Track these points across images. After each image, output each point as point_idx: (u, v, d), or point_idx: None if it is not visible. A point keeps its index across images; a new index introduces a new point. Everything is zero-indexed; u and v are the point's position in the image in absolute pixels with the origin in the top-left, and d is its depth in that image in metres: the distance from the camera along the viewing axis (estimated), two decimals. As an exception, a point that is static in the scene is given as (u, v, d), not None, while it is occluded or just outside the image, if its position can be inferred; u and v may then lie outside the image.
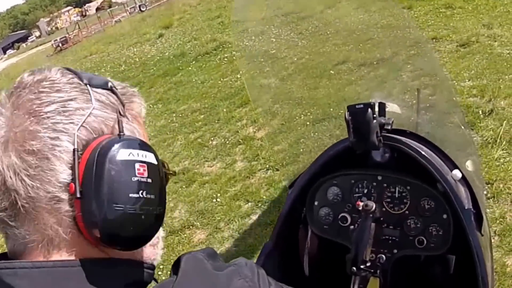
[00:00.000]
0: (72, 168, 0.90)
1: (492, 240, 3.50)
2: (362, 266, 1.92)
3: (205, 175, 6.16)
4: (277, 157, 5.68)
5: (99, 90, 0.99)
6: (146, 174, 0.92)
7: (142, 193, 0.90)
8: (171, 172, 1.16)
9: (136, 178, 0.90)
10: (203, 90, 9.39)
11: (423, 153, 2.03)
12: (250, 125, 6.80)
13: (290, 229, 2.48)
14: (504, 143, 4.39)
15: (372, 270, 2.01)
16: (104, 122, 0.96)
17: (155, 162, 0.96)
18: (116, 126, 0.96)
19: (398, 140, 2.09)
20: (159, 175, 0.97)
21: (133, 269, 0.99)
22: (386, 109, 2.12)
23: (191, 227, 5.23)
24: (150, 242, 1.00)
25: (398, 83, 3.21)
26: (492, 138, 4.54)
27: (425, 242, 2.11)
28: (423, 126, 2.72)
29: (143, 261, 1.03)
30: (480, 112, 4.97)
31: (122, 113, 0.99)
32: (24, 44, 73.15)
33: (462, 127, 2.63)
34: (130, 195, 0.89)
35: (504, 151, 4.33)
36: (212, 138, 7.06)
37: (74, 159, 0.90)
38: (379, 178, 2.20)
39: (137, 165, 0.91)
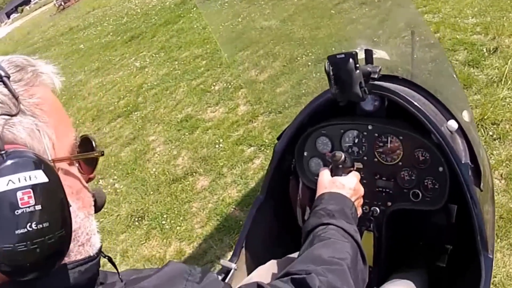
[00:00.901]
0: None
1: (499, 184, 3.47)
2: None
3: (208, 121, 6.12)
4: (279, 99, 5.60)
5: None
6: (32, 202, 0.80)
7: (30, 226, 0.80)
8: (97, 153, 1.06)
9: (19, 211, 0.79)
10: (205, 35, 9.28)
11: (414, 102, 1.93)
12: (252, 68, 6.69)
13: (281, 181, 2.44)
14: (510, 82, 4.25)
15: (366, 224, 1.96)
16: None
17: (45, 179, 0.83)
18: (6, 131, 0.84)
19: (385, 89, 1.99)
20: (55, 193, 0.85)
21: (62, 275, 0.91)
22: (374, 56, 2.02)
23: (194, 174, 5.21)
24: (78, 243, 0.95)
25: (392, 25, 3.06)
26: (497, 76, 4.39)
27: (420, 195, 2.05)
28: (418, 72, 2.62)
29: (75, 261, 0.94)
30: (485, 50, 4.82)
31: (15, 110, 0.85)
32: (27, 7, 72.07)
33: (456, 78, 2.51)
34: (16, 232, 0.79)
35: (510, 91, 4.19)
36: (215, 83, 6.98)
37: None
38: (370, 127, 2.13)
39: (19, 194, 0.79)
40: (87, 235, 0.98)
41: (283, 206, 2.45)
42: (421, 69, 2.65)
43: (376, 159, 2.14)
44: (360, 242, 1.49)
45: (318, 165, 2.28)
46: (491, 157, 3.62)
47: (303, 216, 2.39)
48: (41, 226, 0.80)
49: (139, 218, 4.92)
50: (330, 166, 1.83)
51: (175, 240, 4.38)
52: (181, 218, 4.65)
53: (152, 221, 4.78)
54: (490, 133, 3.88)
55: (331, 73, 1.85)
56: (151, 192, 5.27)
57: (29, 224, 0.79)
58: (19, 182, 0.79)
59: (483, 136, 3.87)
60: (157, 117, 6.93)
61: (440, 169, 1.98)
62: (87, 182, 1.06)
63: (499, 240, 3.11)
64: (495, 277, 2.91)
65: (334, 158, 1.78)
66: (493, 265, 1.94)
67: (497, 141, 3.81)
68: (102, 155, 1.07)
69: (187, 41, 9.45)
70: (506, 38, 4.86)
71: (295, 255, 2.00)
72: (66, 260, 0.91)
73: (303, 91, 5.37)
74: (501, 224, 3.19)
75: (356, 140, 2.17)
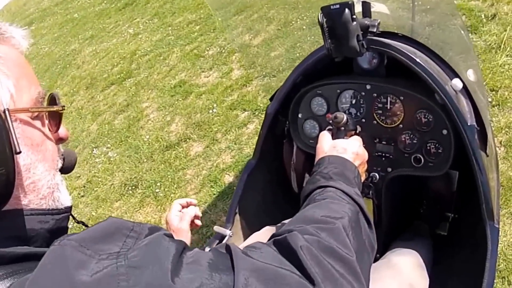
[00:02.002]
0: None
1: (498, 151, 3.39)
2: None
3: (202, 86, 6.01)
4: (273, 63, 5.48)
5: None
6: None
7: None
8: (57, 107, 1.06)
9: None
10: (199, 1, 9.07)
11: (416, 59, 1.80)
12: (246, 33, 6.56)
13: (274, 145, 2.35)
14: (508, 49, 4.14)
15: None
16: None
17: None
18: None
19: (385, 44, 1.86)
20: None
21: (22, 218, 0.93)
22: (372, 9, 1.89)
23: (188, 140, 5.14)
24: (39, 196, 0.96)
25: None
26: (496, 43, 4.28)
27: (422, 160, 1.95)
28: (419, 30, 2.50)
29: (41, 208, 0.96)
30: (483, 16, 4.69)
31: None
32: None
33: (462, 32, 2.38)
34: None
35: (509, 57, 4.09)
36: (208, 48, 6.85)
37: None
38: (368, 87, 2.01)
39: None
40: (48, 189, 0.98)
41: (277, 171, 2.37)
42: (424, 24, 2.53)
43: (375, 122, 2.03)
44: (363, 206, 1.35)
45: (313, 127, 2.19)
46: (491, 125, 3.52)
47: (298, 181, 2.30)
48: None
49: (133, 187, 4.87)
50: (327, 128, 1.74)
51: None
52: (175, 186, 4.60)
53: (146, 189, 4.74)
54: (489, 99, 3.79)
55: (325, 25, 1.72)
56: (145, 160, 5.21)
57: None
58: None
59: (488, 104, 3.77)
60: (150, 83, 6.82)
61: (444, 132, 1.87)
62: (57, 142, 1.07)
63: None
64: (496, 247, 2.84)
65: (335, 119, 1.67)
66: (497, 234, 1.86)
67: (496, 108, 3.73)
68: (63, 109, 1.08)
69: (181, 6, 9.25)
70: (505, 5, 4.74)
71: None
72: (29, 208, 0.94)
73: (298, 54, 5.25)
74: (501, 192, 3.12)
75: (354, 101, 2.06)
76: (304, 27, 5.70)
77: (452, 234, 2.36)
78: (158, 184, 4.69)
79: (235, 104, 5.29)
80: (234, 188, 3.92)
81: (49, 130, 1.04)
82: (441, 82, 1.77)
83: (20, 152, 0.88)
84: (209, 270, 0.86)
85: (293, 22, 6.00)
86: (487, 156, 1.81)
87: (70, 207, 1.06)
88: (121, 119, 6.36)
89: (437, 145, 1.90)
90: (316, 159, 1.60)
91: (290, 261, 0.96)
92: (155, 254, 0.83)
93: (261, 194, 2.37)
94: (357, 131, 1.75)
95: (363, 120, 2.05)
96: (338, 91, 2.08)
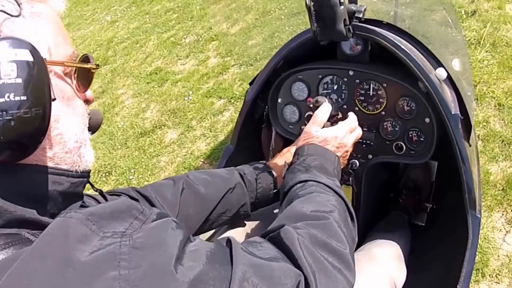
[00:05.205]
0: None
1: None
2: None
3: (178, 73, 5.94)
4: (250, 51, 5.46)
5: None
6: (14, 75, 0.82)
7: (8, 97, 0.81)
8: (91, 65, 1.08)
9: (1, 81, 0.81)
10: (177, -11, 8.99)
11: (401, 45, 1.78)
12: (224, 21, 6.51)
13: (253, 130, 2.31)
14: (488, 45, 4.20)
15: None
16: None
17: (29, 58, 0.85)
18: (4, 27, 0.88)
19: (371, 31, 1.84)
20: (37, 72, 0.86)
21: (38, 175, 0.93)
22: (358, -4, 1.86)
23: (162, 127, 5.08)
24: (65, 149, 0.98)
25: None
26: (475, 39, 4.33)
27: (404, 148, 1.94)
28: (403, 19, 2.47)
29: (60, 168, 0.97)
30: (463, 12, 4.73)
31: (16, 13, 0.90)
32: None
33: (450, 21, 2.36)
34: None
35: (488, 53, 4.15)
36: (185, 36, 6.78)
37: None
38: (351, 73, 1.98)
39: (2, 67, 0.82)
40: (75, 143, 1.01)
41: (255, 156, 2.33)
42: (409, 13, 2.50)
43: (357, 108, 2.01)
44: (345, 198, 1.35)
45: (293, 112, 2.16)
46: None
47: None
48: (18, 98, 0.82)
49: (107, 174, 4.79)
50: (307, 114, 1.71)
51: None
52: (148, 173, 4.54)
53: (119, 176, 4.66)
54: (473, 98, 3.79)
55: (312, 8, 1.68)
56: (119, 147, 5.13)
57: (7, 94, 0.81)
58: (5, 55, 0.82)
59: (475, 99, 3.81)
60: (126, 70, 6.72)
61: (427, 120, 1.86)
62: (84, 103, 1.09)
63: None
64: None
65: (316, 104, 1.65)
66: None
67: (474, 102, 3.73)
68: (97, 67, 1.10)
69: (159, -6, 9.16)
70: (485, 2, 4.80)
71: (269, 208, 1.88)
72: (51, 164, 0.95)
73: (275, 44, 5.23)
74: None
75: (335, 87, 2.04)
76: (282, 17, 5.67)
77: (429, 225, 2.35)
78: (132, 171, 4.62)
79: (211, 92, 5.24)
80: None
81: (77, 90, 1.05)
82: (425, 70, 1.75)
83: (55, 99, 0.90)
84: (209, 261, 0.86)
85: (271, 12, 5.97)
86: (470, 145, 1.80)
87: (89, 173, 1.08)
88: (95, 106, 6.22)
89: (419, 133, 1.89)
90: (297, 143, 1.58)
91: (287, 256, 0.98)
92: (161, 238, 0.84)
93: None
94: (339, 117, 1.71)
95: (345, 106, 2.02)
96: (320, 76, 2.05)
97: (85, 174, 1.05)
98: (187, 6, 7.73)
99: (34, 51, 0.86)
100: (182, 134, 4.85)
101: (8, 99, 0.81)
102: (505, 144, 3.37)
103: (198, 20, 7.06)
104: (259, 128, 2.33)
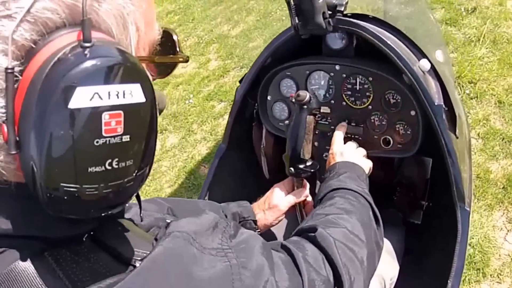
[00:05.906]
0: (6, 97, 0.57)
1: (476, 143, 3.41)
2: (301, 166, 1.74)
3: (179, 76, 5.93)
4: (251, 54, 5.46)
5: None
6: (121, 130, 0.58)
7: (110, 164, 0.59)
8: (181, 58, 0.85)
9: (101, 141, 0.57)
10: (179, -10, 8.99)
11: (384, 38, 1.77)
12: (225, 23, 6.50)
13: (244, 129, 2.30)
14: (488, 42, 4.15)
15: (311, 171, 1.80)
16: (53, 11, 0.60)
17: (142, 99, 0.60)
18: (90, 9, 0.61)
19: (354, 24, 1.82)
20: (150, 119, 0.63)
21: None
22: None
23: (163, 131, 5.07)
24: None
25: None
26: (475, 36, 4.29)
27: (391, 142, 1.92)
28: (389, 11, 2.45)
29: None
30: (463, 9, 4.68)
31: None
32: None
33: (431, 16, 2.34)
34: (90, 169, 0.57)
35: (488, 50, 4.11)
36: (186, 38, 6.78)
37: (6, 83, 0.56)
38: (337, 67, 1.97)
39: (105, 117, 0.56)
40: None
41: (247, 155, 2.33)
42: (393, 7, 2.48)
43: (344, 103, 1.99)
44: (373, 204, 1.46)
45: (282, 110, 2.14)
46: (468, 116, 3.52)
47: (268, 165, 2.25)
48: (123, 165, 0.60)
49: (108, 180, 4.76)
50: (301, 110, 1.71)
51: (145, 200, 4.22)
52: (149, 178, 4.47)
53: (121, 180, 4.62)
54: (467, 91, 3.81)
55: (292, 2, 1.67)
56: (121, 151, 5.09)
57: (109, 161, 0.58)
58: (109, 98, 0.56)
59: (459, 94, 3.77)
60: (127, 74, 6.70)
61: (412, 113, 1.85)
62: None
63: (476, 200, 3.06)
64: (472, 239, 2.85)
65: (298, 98, 1.68)
66: (470, 225, 1.86)
67: (474, 100, 3.74)
68: (187, 61, 0.86)
69: (160, -4, 9.18)
70: (486, -1, 4.73)
71: None
72: None
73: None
74: (478, 184, 3.13)
75: (323, 82, 2.02)
76: (283, 17, 5.70)
77: (426, 223, 2.32)
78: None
79: (211, 95, 5.23)
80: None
81: (151, 75, 0.83)
82: (408, 63, 1.74)
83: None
84: (286, 270, 0.90)
85: (272, 13, 5.99)
86: (457, 137, 1.77)
87: None
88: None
89: (405, 126, 1.88)
90: (328, 165, 1.74)
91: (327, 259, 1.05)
92: (261, 260, 0.82)
93: (232, 179, 2.35)
94: (321, 110, 1.74)
95: (333, 101, 2.01)
96: (307, 72, 2.03)
97: None
98: (188, 8, 7.73)
99: (145, 83, 0.62)
100: (183, 138, 4.84)
101: (109, 167, 0.59)
102: (505, 142, 3.35)
103: (199, 22, 7.06)
104: (250, 127, 2.31)
